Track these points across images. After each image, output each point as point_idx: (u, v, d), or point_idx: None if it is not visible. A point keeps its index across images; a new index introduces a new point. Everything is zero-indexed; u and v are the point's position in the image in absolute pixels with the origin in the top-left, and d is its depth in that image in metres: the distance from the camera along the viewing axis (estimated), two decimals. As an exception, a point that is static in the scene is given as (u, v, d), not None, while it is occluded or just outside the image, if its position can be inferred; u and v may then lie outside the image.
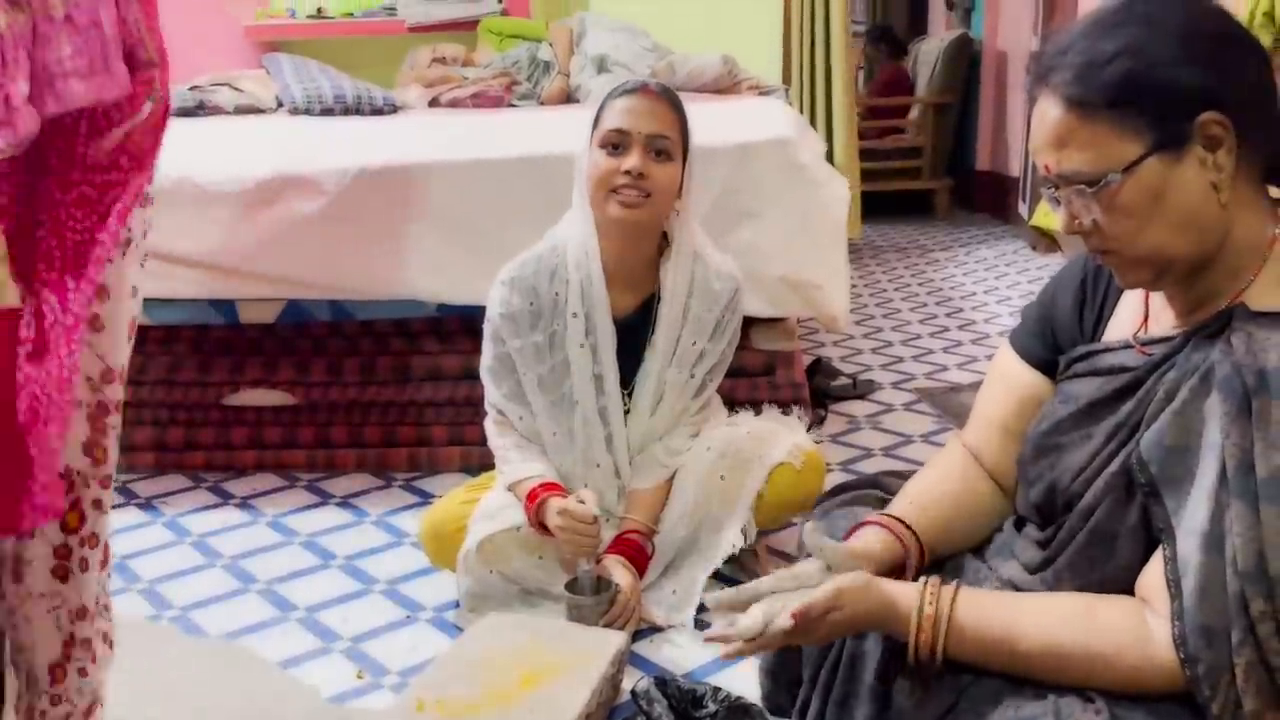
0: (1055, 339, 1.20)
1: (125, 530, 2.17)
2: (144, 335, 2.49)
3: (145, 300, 2.35)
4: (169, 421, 2.47)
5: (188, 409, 2.47)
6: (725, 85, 3.30)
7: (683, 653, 1.65)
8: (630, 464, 1.83)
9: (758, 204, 2.27)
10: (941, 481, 1.27)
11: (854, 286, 4.11)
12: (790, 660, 1.34)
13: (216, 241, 2.32)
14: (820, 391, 2.75)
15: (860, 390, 2.85)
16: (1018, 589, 1.12)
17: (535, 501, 1.70)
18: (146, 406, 2.47)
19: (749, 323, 2.27)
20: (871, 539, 1.19)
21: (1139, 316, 1.12)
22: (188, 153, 2.46)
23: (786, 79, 4.32)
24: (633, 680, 1.46)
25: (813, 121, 4.32)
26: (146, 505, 2.29)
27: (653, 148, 1.68)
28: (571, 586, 1.66)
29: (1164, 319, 1.08)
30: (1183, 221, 0.98)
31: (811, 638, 1.09)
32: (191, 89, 3.30)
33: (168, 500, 2.32)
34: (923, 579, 1.08)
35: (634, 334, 1.79)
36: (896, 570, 1.18)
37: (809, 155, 2.39)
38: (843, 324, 2.45)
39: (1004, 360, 1.26)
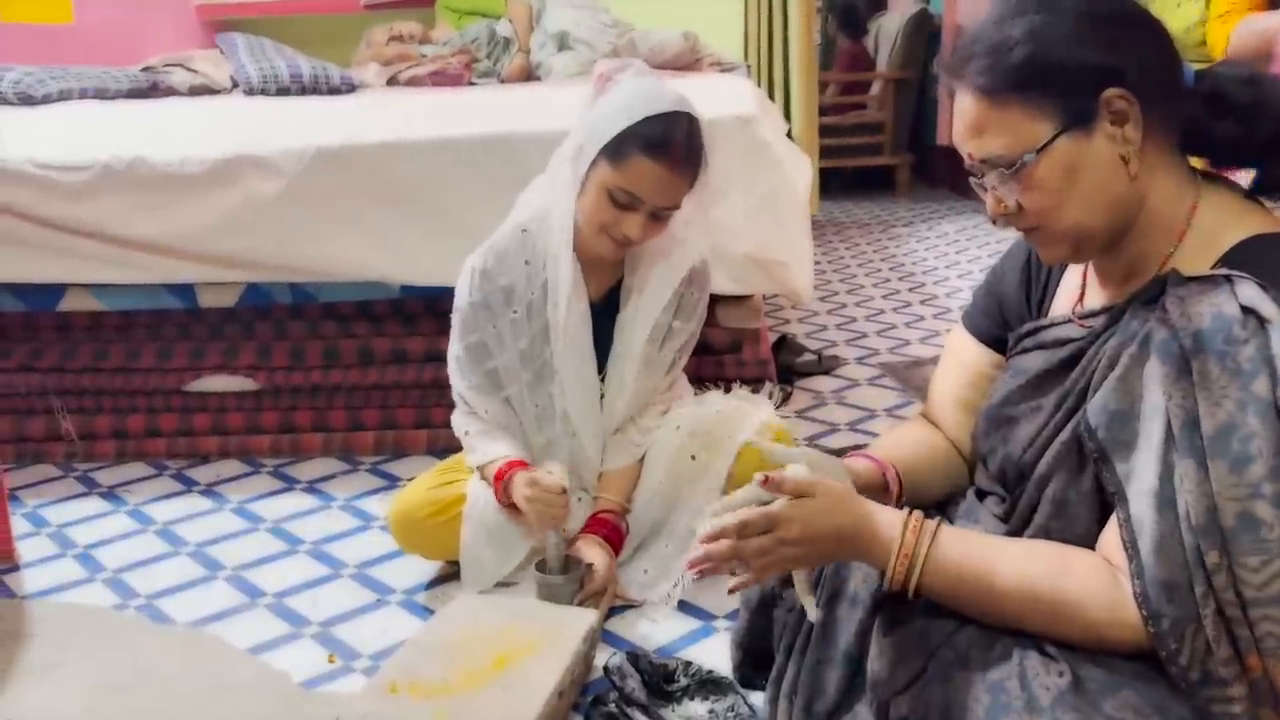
0: (1004, 316, 1.25)
1: (88, 520, 2.14)
2: (101, 322, 2.45)
3: (101, 286, 2.36)
4: (129, 409, 2.44)
5: (148, 395, 2.43)
6: (687, 62, 3.29)
7: (656, 628, 1.66)
8: (604, 444, 1.82)
9: (722, 181, 2.26)
10: (906, 433, 1.33)
11: (817, 263, 4.13)
12: (762, 632, 1.36)
13: (172, 225, 2.29)
14: (786, 368, 2.76)
15: (825, 366, 2.87)
16: None
17: (502, 480, 1.70)
18: (106, 394, 2.43)
19: (714, 300, 2.27)
20: (856, 464, 1.23)
21: (1079, 291, 1.15)
22: (141, 135, 2.42)
23: (746, 55, 4.31)
24: (605, 656, 1.47)
25: (771, 98, 4.32)
26: (109, 494, 2.26)
27: (657, 216, 1.66)
28: (542, 567, 1.66)
29: (1100, 291, 1.13)
30: (1097, 195, 1.03)
31: (796, 529, 1.07)
32: (144, 70, 3.24)
33: (130, 489, 2.29)
34: (906, 509, 1.10)
35: (605, 316, 1.79)
36: (878, 497, 1.19)
37: (772, 132, 2.40)
38: (807, 299, 2.46)
39: (957, 338, 1.31)
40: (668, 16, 3.56)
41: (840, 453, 1.30)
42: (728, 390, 1.98)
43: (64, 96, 2.87)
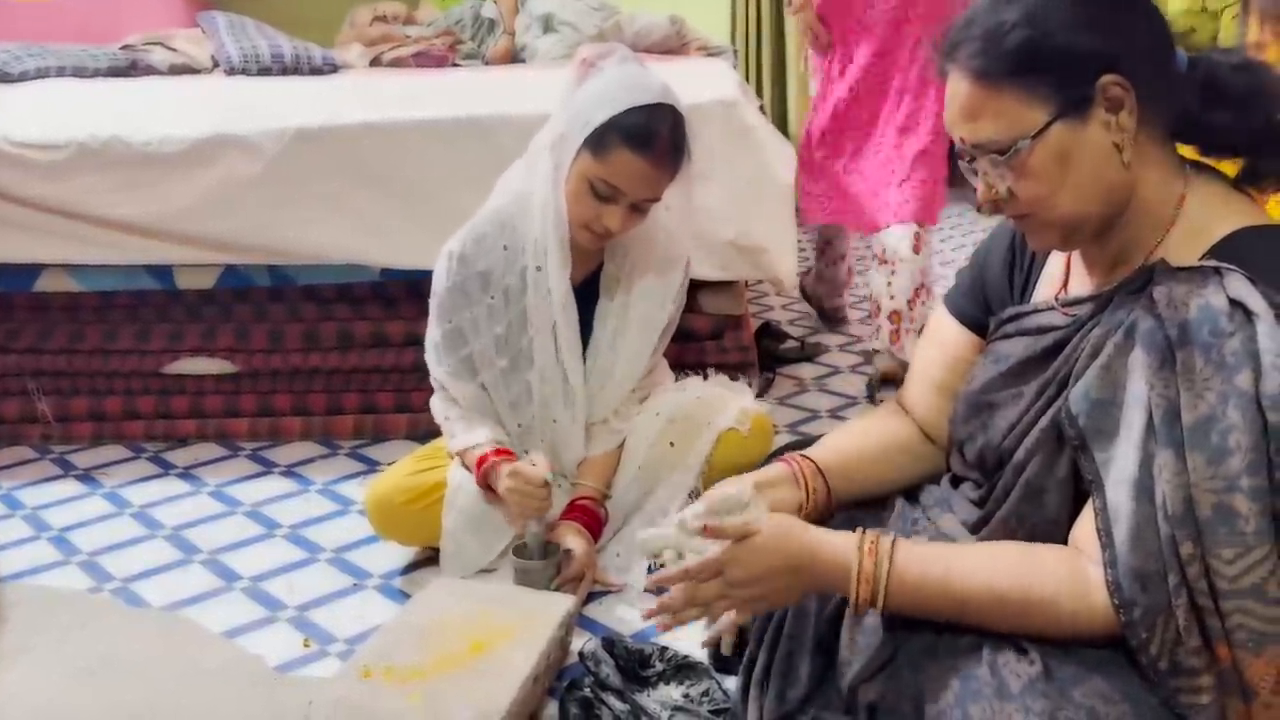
0: (987, 300, 1.24)
1: (64, 502, 2.13)
2: (77, 303, 2.42)
3: (79, 267, 2.34)
4: (107, 391, 2.42)
5: (125, 378, 2.41)
6: (673, 46, 3.27)
7: (632, 614, 1.66)
8: (584, 430, 1.82)
9: (705, 167, 2.24)
10: (864, 430, 1.33)
11: (802, 250, 4.12)
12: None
13: (151, 205, 2.26)
14: (769, 354, 2.76)
15: (808, 353, 2.87)
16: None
17: (484, 466, 1.69)
18: (83, 376, 2.41)
19: (697, 286, 2.27)
20: (773, 471, 1.25)
21: (1063, 277, 1.14)
22: (120, 114, 2.39)
23: (733, 39, 4.29)
24: (582, 641, 1.47)
25: (760, 82, 4.30)
26: (85, 477, 2.24)
27: (637, 208, 1.65)
28: (519, 551, 1.65)
29: (1085, 279, 1.12)
30: (1090, 183, 1.02)
31: (741, 571, 1.08)
32: (123, 48, 3.20)
33: (107, 471, 2.27)
34: (859, 530, 1.10)
35: (584, 303, 1.78)
36: (794, 504, 1.25)
37: (755, 117, 2.39)
38: (790, 285, 2.46)
39: (939, 321, 1.30)
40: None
41: (781, 452, 1.32)
42: (707, 377, 1.98)
43: (41, 74, 2.84)
